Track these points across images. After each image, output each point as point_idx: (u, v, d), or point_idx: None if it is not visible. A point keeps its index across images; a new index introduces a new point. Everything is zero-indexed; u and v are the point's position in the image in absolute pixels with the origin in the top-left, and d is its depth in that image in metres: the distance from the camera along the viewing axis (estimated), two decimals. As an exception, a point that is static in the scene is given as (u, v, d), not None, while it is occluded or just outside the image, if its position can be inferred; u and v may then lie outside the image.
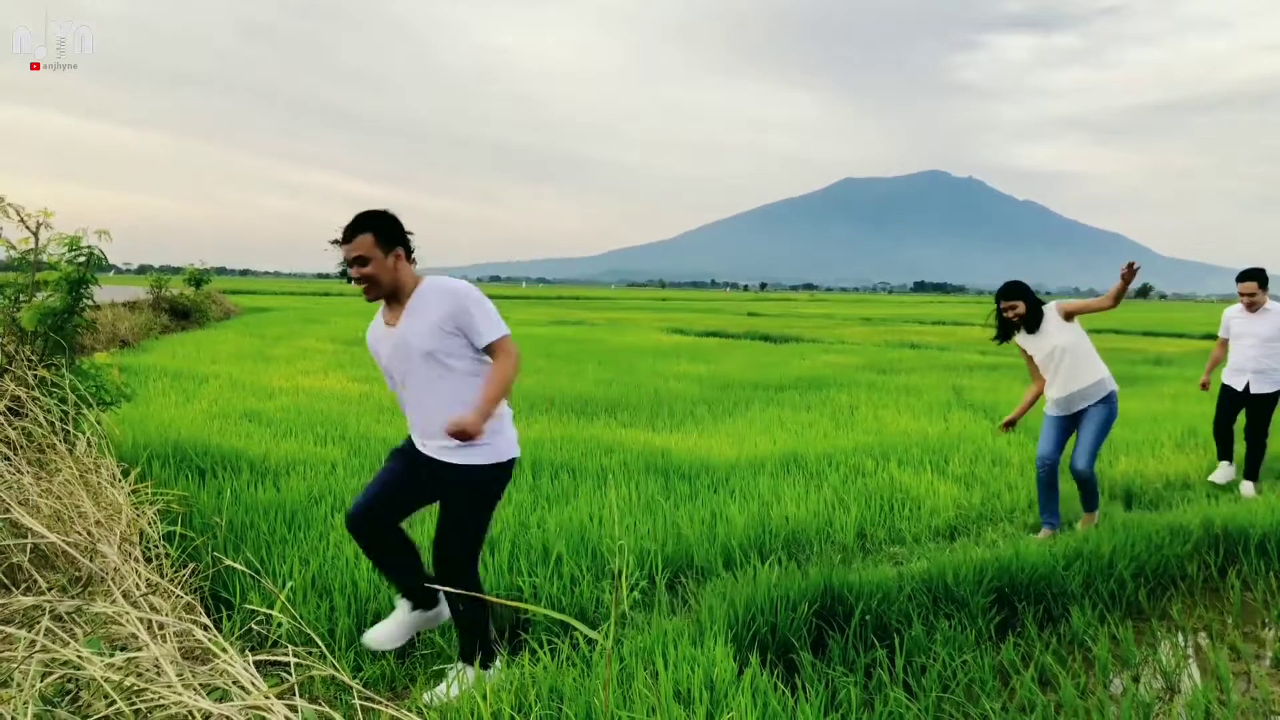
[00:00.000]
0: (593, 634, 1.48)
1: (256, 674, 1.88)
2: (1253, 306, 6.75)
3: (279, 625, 3.46)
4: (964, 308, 65.93)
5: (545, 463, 6.49)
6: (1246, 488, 6.75)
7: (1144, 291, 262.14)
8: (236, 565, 3.19)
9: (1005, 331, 5.53)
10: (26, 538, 2.97)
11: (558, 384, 11.52)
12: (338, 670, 1.86)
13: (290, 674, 2.79)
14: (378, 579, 4.08)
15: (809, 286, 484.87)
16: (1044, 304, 5.53)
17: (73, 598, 2.58)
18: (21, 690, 1.81)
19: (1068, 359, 5.35)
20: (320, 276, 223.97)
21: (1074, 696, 3.28)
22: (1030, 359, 5.58)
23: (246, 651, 2.72)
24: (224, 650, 1.90)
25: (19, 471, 3.61)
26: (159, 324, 20.07)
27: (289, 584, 3.93)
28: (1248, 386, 6.84)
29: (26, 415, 4.28)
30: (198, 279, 27.15)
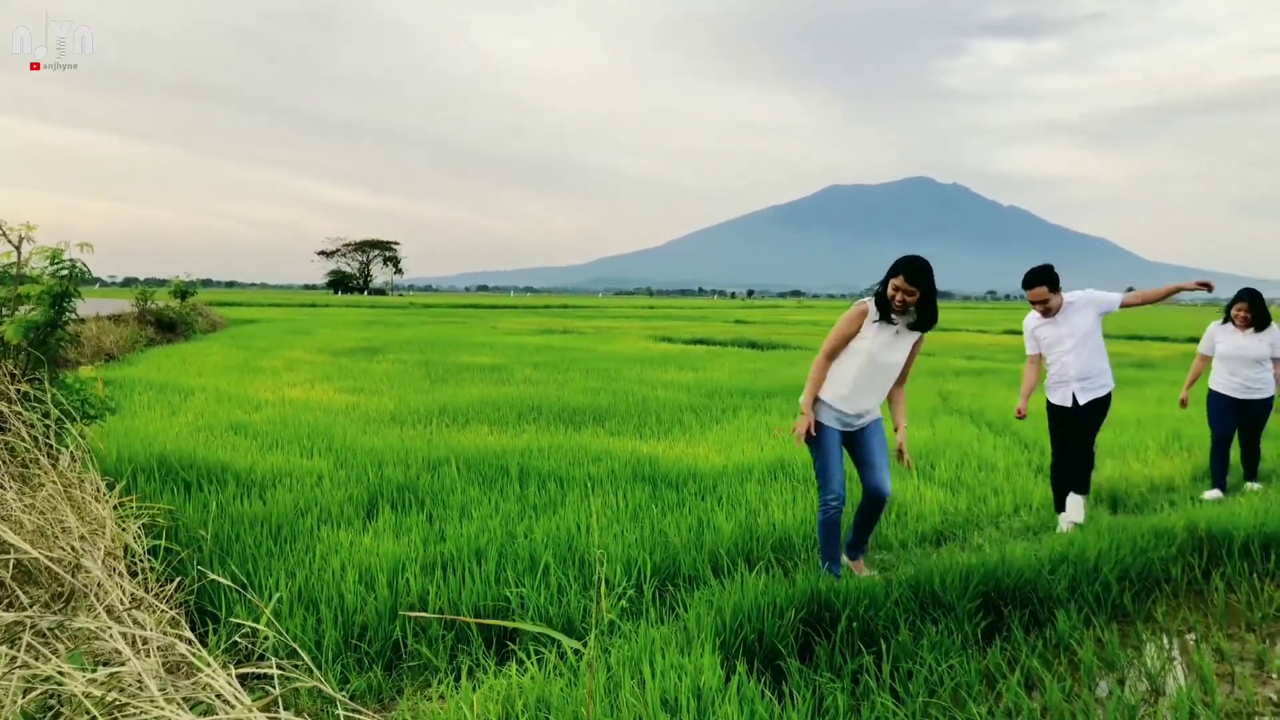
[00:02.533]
0: (575, 644, 1.48)
1: (240, 688, 1.88)
2: (1047, 313, 5.86)
3: (265, 639, 3.44)
4: (950, 313, 66.23)
5: (532, 472, 6.49)
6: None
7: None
8: (222, 579, 3.17)
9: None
10: (9, 553, 2.95)
11: (545, 393, 11.51)
12: (323, 683, 1.85)
13: (275, 687, 2.78)
14: (364, 590, 4.07)
15: (796, 293, 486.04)
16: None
17: (55, 613, 2.56)
18: (2, 707, 1.80)
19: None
20: (308, 288, 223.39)
21: (1060, 700, 3.29)
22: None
23: (231, 665, 2.71)
24: (208, 664, 1.89)
25: (2, 486, 3.58)
26: (144, 337, 19.95)
27: (275, 597, 3.91)
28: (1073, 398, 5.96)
29: (9, 429, 4.26)
30: (183, 291, 27.03)
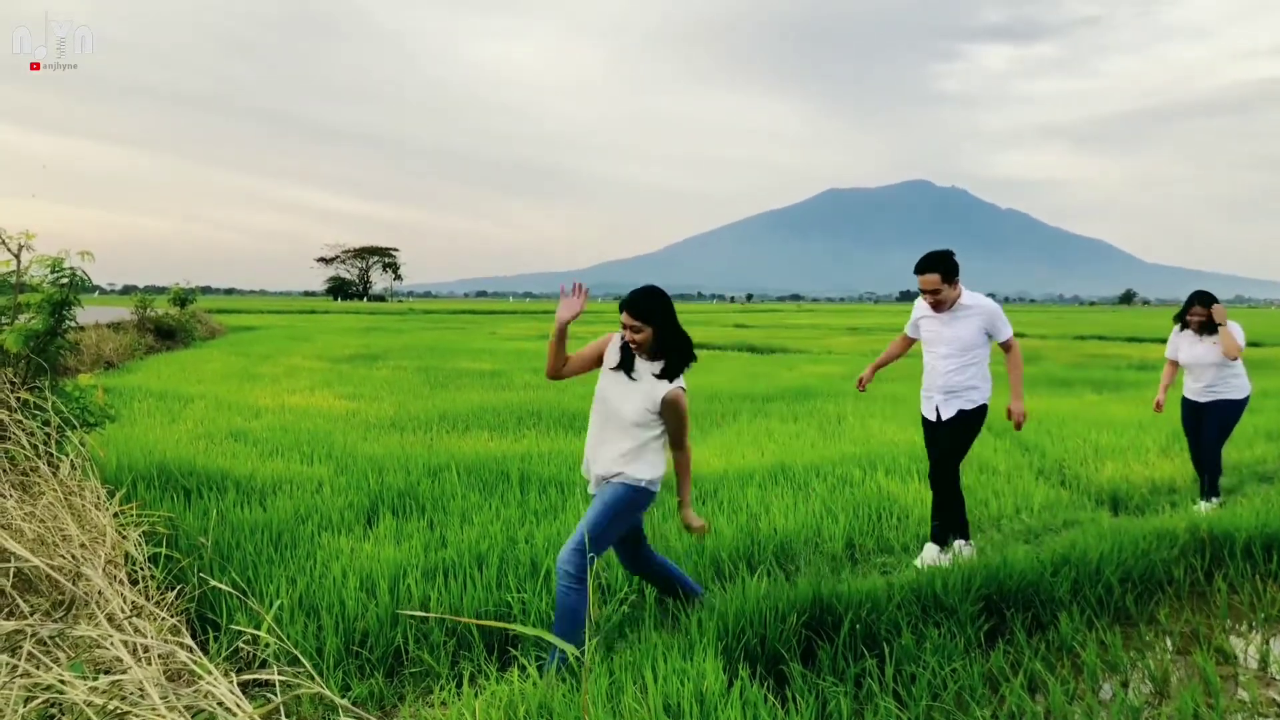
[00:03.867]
0: (574, 650, 1.48)
1: (241, 695, 1.87)
2: (937, 305, 5.18)
3: (266, 646, 3.43)
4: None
5: (533, 477, 6.48)
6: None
7: (1128, 297, 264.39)
8: (222, 586, 3.16)
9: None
10: (9, 562, 2.94)
11: (545, 398, 11.50)
12: (325, 689, 1.85)
13: (277, 694, 2.77)
14: (365, 597, 4.06)
15: (795, 297, 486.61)
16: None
17: (56, 621, 2.56)
18: (4, 716, 1.80)
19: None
20: (307, 294, 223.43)
21: (1063, 702, 3.29)
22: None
23: (232, 673, 2.70)
24: (209, 672, 1.89)
25: (2, 495, 3.58)
26: (144, 344, 19.95)
27: (276, 604, 3.90)
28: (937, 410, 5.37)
29: (9, 438, 4.25)
30: (183, 299, 27.02)
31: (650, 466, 3.64)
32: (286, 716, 2.67)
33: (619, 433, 3.65)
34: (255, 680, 2.67)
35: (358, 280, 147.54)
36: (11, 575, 2.95)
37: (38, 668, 1.94)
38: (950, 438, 5.18)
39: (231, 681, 1.92)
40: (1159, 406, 7.09)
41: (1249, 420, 10.15)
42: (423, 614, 3.42)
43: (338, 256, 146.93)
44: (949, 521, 5.19)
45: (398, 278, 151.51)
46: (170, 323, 23.53)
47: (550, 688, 3.04)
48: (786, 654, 3.57)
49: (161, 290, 28.51)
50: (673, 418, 3.60)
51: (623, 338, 3.66)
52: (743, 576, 4.38)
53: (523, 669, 3.38)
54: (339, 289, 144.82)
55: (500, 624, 1.89)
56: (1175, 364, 6.99)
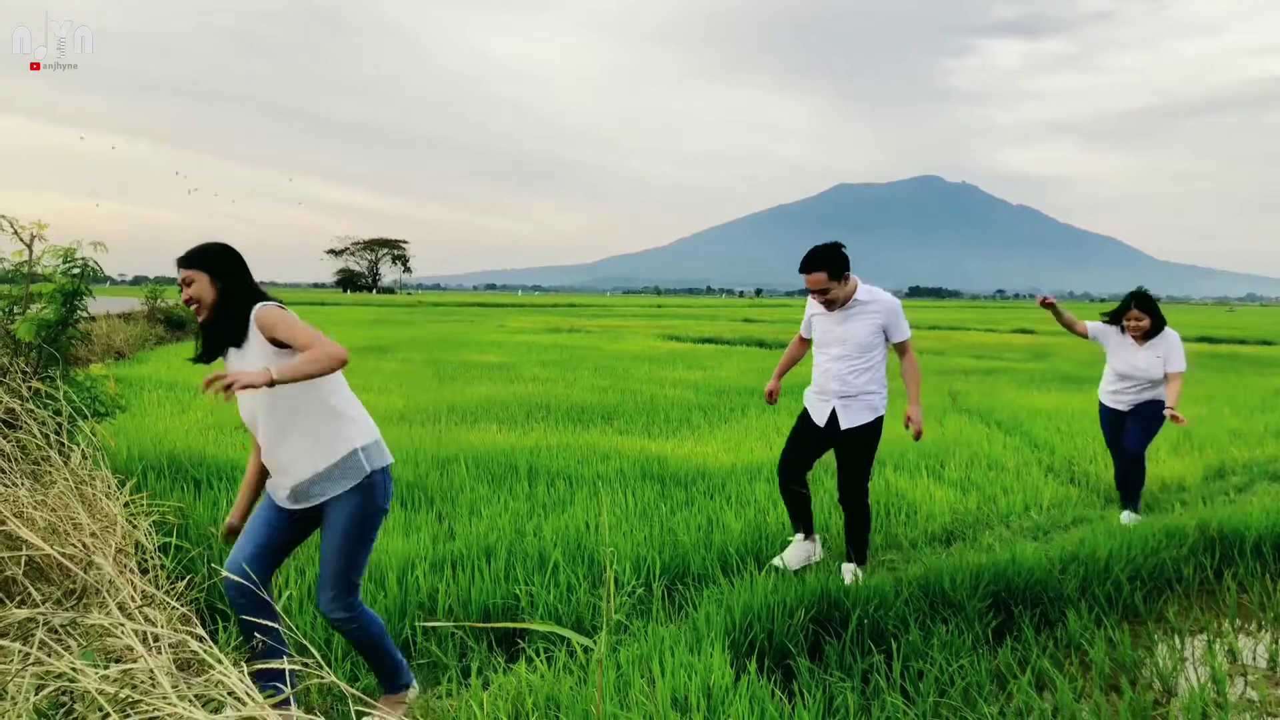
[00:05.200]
0: (587, 642, 1.48)
1: (252, 684, 1.88)
2: (829, 305, 4.63)
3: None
4: (959, 313, 66.08)
5: (541, 470, 6.49)
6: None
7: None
8: (232, 576, 3.17)
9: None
10: (21, 550, 2.96)
11: (554, 391, 11.51)
12: (334, 679, 1.85)
13: (286, 684, 2.79)
14: (374, 588, 4.07)
15: (804, 292, 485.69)
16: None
17: (67, 610, 2.57)
18: (16, 703, 1.81)
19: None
20: (316, 286, 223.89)
21: (1071, 700, 3.28)
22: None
23: (242, 662, 2.71)
24: (219, 661, 1.90)
25: (14, 483, 3.60)
26: (154, 335, 20.04)
27: (285, 594, 3.92)
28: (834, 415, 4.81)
29: (21, 427, 4.28)
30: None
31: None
32: (296, 706, 2.69)
33: (279, 436, 3.03)
34: (265, 670, 2.68)
35: (367, 272, 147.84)
36: (23, 563, 2.97)
37: (49, 655, 1.95)
38: (853, 451, 4.67)
39: (242, 671, 1.93)
40: (1044, 302, 5.85)
41: (1260, 419, 10.11)
42: (440, 623, 3.43)
43: (347, 249, 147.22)
44: (855, 537, 4.72)
45: (407, 270, 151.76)
46: (180, 313, 23.60)
47: (558, 680, 3.05)
48: (794, 649, 3.57)
49: (172, 281, 28.61)
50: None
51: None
52: (751, 571, 4.38)
53: (530, 661, 3.39)
54: (348, 281, 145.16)
55: (514, 624, 1.89)
56: (1086, 333, 6.10)
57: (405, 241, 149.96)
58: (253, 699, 1.80)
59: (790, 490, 4.78)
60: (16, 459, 3.98)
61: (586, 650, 3.31)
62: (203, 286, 2.94)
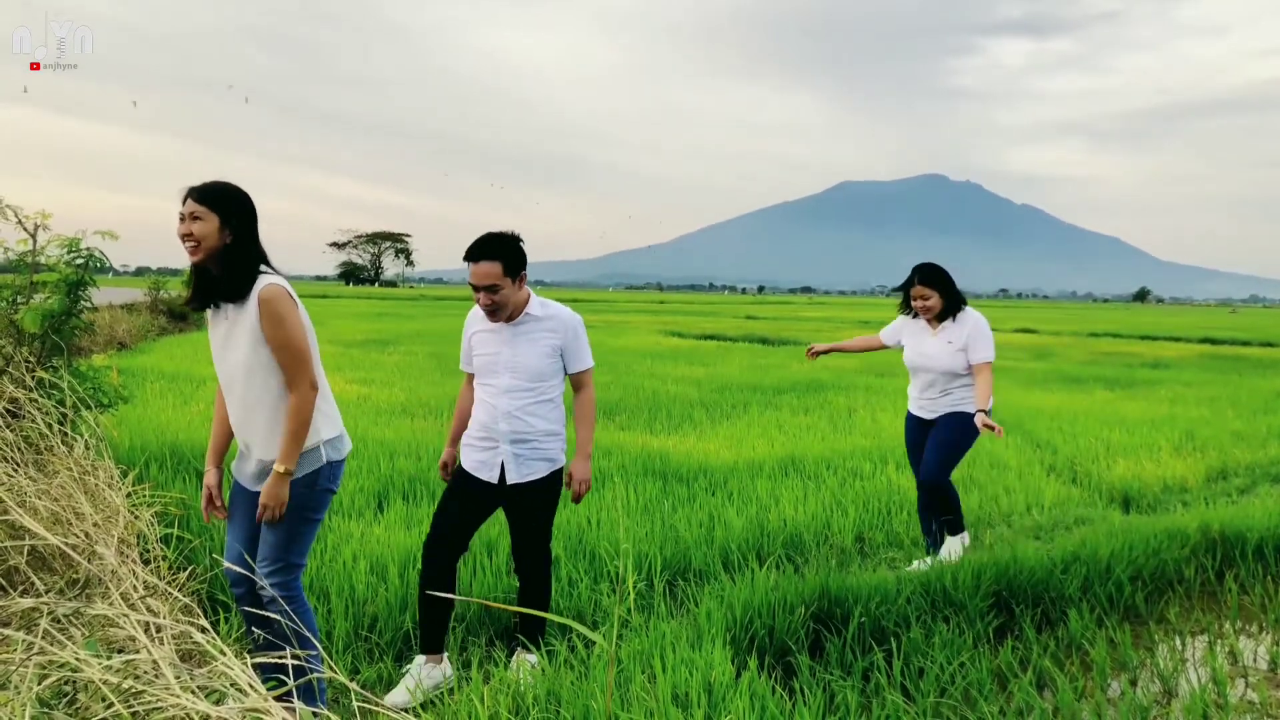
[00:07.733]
0: (594, 635, 1.48)
1: (255, 676, 1.88)
2: (494, 312, 3.46)
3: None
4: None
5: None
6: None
7: (1142, 295, 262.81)
8: (234, 567, 3.17)
9: None
10: (24, 539, 2.96)
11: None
12: (336, 672, 1.86)
13: (288, 676, 2.79)
14: (375, 581, 4.08)
15: (807, 290, 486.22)
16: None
17: (71, 600, 2.58)
18: (19, 693, 1.81)
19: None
20: (319, 279, 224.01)
21: (1071, 700, 3.28)
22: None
23: (244, 654, 2.72)
24: (222, 653, 1.90)
25: (17, 473, 3.60)
26: (157, 326, 20.07)
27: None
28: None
29: (24, 417, 4.28)
30: (195, 281, 27.10)
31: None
32: (297, 699, 2.69)
33: (243, 408, 3.01)
34: (266, 662, 2.68)
35: (370, 265, 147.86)
36: (26, 553, 2.98)
37: (53, 645, 1.95)
38: (526, 514, 3.58)
39: (245, 663, 1.94)
40: (812, 353, 5.40)
41: (1263, 420, 10.08)
42: (450, 595, 3.42)
43: (350, 242, 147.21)
44: (529, 622, 3.65)
45: (410, 263, 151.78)
46: (183, 305, 23.66)
47: (558, 675, 3.05)
48: (794, 646, 3.57)
49: (175, 272, 28.65)
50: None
51: None
52: (752, 568, 4.38)
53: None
54: (351, 274, 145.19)
55: (530, 610, 1.89)
56: (882, 346, 5.32)
57: (408, 235, 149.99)
58: (255, 690, 1.81)
59: (437, 580, 3.45)
60: (20, 448, 3.99)
61: (588, 645, 3.31)
62: (210, 227, 2.72)
